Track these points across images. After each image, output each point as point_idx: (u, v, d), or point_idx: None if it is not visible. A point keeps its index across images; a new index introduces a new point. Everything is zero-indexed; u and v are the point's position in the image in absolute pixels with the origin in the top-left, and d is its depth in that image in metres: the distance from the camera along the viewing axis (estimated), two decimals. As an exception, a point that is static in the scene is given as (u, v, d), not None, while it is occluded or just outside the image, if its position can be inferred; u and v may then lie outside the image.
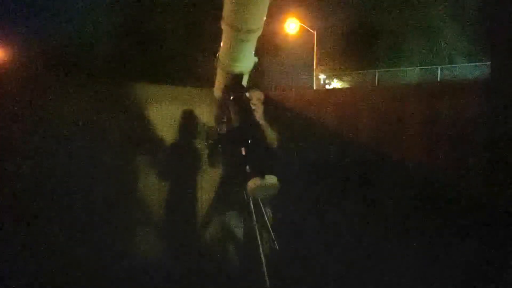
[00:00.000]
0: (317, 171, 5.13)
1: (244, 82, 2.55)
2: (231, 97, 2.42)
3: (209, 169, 3.39)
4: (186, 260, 3.19)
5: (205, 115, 3.52)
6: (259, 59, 2.46)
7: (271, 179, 2.21)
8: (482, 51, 13.78)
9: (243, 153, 2.28)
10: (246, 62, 2.42)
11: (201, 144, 3.42)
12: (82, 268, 2.68)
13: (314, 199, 4.38)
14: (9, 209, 2.53)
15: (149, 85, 3.58)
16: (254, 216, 2.34)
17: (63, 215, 2.71)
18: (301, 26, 20.29)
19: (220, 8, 2.12)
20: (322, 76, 22.30)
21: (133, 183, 3.27)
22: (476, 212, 4.37)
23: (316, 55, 20.47)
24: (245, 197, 2.34)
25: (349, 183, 5.27)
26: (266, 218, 2.44)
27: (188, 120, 3.50)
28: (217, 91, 2.66)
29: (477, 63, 15.32)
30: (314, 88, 19.71)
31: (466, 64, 16.44)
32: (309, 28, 20.18)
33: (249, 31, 2.13)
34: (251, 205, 2.34)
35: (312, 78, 20.66)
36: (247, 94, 2.47)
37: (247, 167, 2.23)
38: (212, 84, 2.67)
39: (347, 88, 17.49)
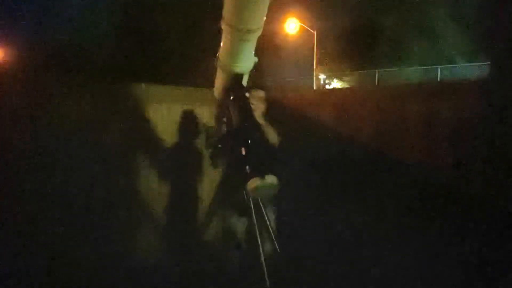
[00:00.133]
0: (317, 171, 5.13)
1: (244, 82, 2.55)
2: (231, 97, 2.42)
3: (209, 169, 3.40)
4: (186, 260, 3.19)
5: (205, 115, 3.52)
6: (259, 59, 2.46)
7: (271, 179, 2.20)
8: (482, 51, 13.77)
9: (243, 153, 2.27)
10: (246, 62, 2.41)
11: (201, 144, 3.43)
12: (82, 268, 2.68)
13: (313, 199, 4.38)
14: (9, 209, 2.53)
15: (149, 85, 3.58)
16: (254, 216, 2.34)
17: (63, 216, 2.71)
18: (301, 26, 20.29)
19: (220, 8, 2.12)
20: (322, 76, 22.31)
21: (133, 183, 3.27)
22: (476, 211, 4.37)
23: (316, 55, 20.47)
24: (245, 197, 2.34)
25: (349, 183, 5.27)
26: (267, 218, 2.44)
27: (188, 120, 3.50)
28: (217, 91, 2.65)
29: (477, 63, 15.31)
30: (314, 88, 19.71)
31: (466, 64, 16.43)
32: (309, 28, 20.18)
33: (249, 31, 2.13)
34: (251, 205, 2.34)
35: (312, 78, 20.66)
36: (247, 94, 2.47)
37: (247, 167, 2.23)
38: (212, 84, 2.67)
39: (347, 88, 17.49)
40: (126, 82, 3.62)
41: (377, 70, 18.80)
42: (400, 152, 5.99)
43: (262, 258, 2.26)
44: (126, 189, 3.20)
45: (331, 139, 6.19)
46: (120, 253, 2.97)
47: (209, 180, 3.46)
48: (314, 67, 20.62)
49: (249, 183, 2.18)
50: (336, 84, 22.45)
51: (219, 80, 2.57)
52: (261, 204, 2.40)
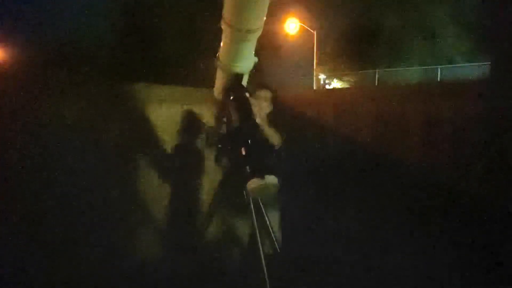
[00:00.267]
0: (317, 171, 5.12)
1: (244, 82, 2.55)
2: (231, 97, 2.42)
3: (209, 169, 3.40)
4: (186, 260, 3.19)
5: (205, 115, 3.52)
6: (259, 59, 2.46)
7: (271, 179, 2.20)
8: (482, 51, 13.77)
9: (243, 153, 2.27)
10: (246, 62, 2.41)
11: (201, 144, 3.43)
12: (82, 269, 2.68)
13: (313, 198, 4.38)
14: (9, 209, 2.53)
15: (149, 85, 3.57)
16: (254, 216, 2.34)
17: (63, 216, 2.71)
18: (301, 26, 20.29)
19: (220, 8, 2.12)
20: (322, 76, 22.31)
21: (133, 183, 3.27)
22: (476, 212, 4.36)
23: (316, 55, 20.47)
24: (245, 197, 2.34)
25: (349, 183, 5.26)
26: (267, 218, 2.44)
27: (188, 120, 3.50)
28: (217, 91, 2.65)
29: (477, 63, 15.30)
30: (314, 88, 19.71)
31: (466, 64, 16.43)
32: (309, 28, 20.18)
33: (249, 31, 2.13)
34: (251, 205, 2.34)
35: (312, 78, 20.66)
36: (247, 94, 2.47)
37: (247, 167, 2.23)
38: (212, 84, 2.67)
39: (347, 88, 17.48)
40: (126, 82, 3.62)
41: (377, 70, 18.79)
42: (400, 152, 5.99)
43: (262, 259, 2.27)
44: (125, 189, 3.20)
45: (331, 139, 6.19)
46: (120, 253, 2.97)
47: (209, 180, 3.46)
48: (314, 67, 20.62)
49: (249, 183, 2.18)
50: (336, 84, 22.45)
51: (219, 80, 2.57)
52: (261, 204, 2.40)
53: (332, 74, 22.20)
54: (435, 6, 17.20)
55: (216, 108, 2.81)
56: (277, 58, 16.03)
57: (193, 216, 3.43)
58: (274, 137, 2.73)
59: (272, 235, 2.47)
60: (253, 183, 2.17)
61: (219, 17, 2.16)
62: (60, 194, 2.70)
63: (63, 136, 2.73)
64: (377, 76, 18.74)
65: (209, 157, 3.51)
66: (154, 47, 14.77)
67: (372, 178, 5.40)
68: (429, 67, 17.50)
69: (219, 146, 2.68)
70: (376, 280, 3.17)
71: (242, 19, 2.09)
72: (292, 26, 20.19)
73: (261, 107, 2.89)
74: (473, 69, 15.55)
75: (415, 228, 4.09)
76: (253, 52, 2.39)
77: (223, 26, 2.18)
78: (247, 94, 2.46)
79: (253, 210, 2.34)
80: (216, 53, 2.45)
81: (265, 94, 2.92)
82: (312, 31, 20.13)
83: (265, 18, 2.14)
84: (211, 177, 3.44)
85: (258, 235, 2.31)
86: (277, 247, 2.46)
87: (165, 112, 3.46)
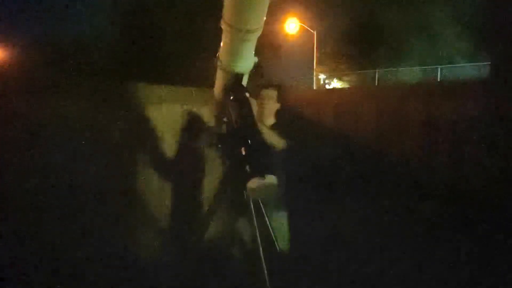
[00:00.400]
0: (317, 171, 5.13)
1: (244, 82, 2.55)
2: (231, 97, 2.42)
3: (209, 169, 3.40)
4: (186, 261, 3.19)
5: (205, 115, 3.52)
6: (259, 59, 2.46)
7: (271, 179, 2.20)
8: (482, 51, 13.78)
9: (243, 153, 2.27)
10: (246, 62, 2.41)
11: (201, 144, 3.42)
12: (82, 268, 2.68)
13: (313, 198, 4.38)
14: (9, 209, 2.53)
15: (149, 85, 3.57)
16: (254, 216, 2.34)
17: (63, 216, 2.71)
18: (301, 26, 20.30)
19: (220, 8, 2.11)
20: (322, 76, 22.32)
21: (133, 183, 3.27)
22: (476, 211, 4.37)
23: (316, 55, 20.48)
24: (245, 198, 2.33)
25: (349, 182, 5.27)
26: (266, 218, 2.44)
27: (188, 120, 3.50)
28: (217, 91, 2.65)
29: (477, 63, 15.31)
30: (314, 88, 19.72)
31: (466, 64, 16.43)
32: (309, 28, 20.19)
33: (249, 31, 2.13)
34: (251, 205, 2.34)
35: (312, 78, 20.67)
36: (247, 94, 2.47)
37: (247, 167, 2.22)
38: (212, 84, 2.67)
39: (347, 88, 17.50)
40: (126, 82, 3.61)
41: (377, 70, 18.80)
42: (400, 151, 5.99)
43: (263, 259, 2.26)
44: (125, 189, 3.20)
45: (331, 139, 6.19)
46: (120, 253, 2.97)
47: (209, 180, 3.46)
48: (314, 67, 20.63)
49: (249, 183, 2.18)
50: (336, 84, 22.46)
51: (219, 80, 2.56)
52: (261, 204, 2.40)
53: (332, 74, 22.21)
54: (435, 6, 17.22)
55: (216, 108, 2.81)
56: (277, 58, 16.05)
57: (193, 216, 3.43)
58: (279, 143, 2.75)
59: (272, 235, 2.46)
60: (253, 183, 2.17)
61: (219, 17, 2.16)
62: (60, 194, 2.70)
63: (63, 136, 2.73)
64: (377, 76, 18.75)
65: (209, 157, 3.52)
66: (154, 47, 14.78)
67: (372, 177, 5.40)
68: (429, 67, 17.51)
69: (219, 146, 2.68)
70: (376, 280, 3.17)
71: (242, 19, 2.09)
72: (292, 26, 20.20)
73: (270, 108, 2.91)
74: (473, 69, 15.56)
75: (415, 228, 4.10)
76: (253, 52, 2.39)
77: (223, 26, 2.18)
78: (247, 94, 2.45)
79: (253, 210, 2.34)
80: (216, 53, 2.44)
81: (272, 93, 2.93)
82: (312, 31, 20.14)
83: (265, 18, 2.14)
84: (211, 177, 3.44)
85: (258, 235, 2.31)
86: (277, 247, 2.46)
87: (165, 112, 3.45)
